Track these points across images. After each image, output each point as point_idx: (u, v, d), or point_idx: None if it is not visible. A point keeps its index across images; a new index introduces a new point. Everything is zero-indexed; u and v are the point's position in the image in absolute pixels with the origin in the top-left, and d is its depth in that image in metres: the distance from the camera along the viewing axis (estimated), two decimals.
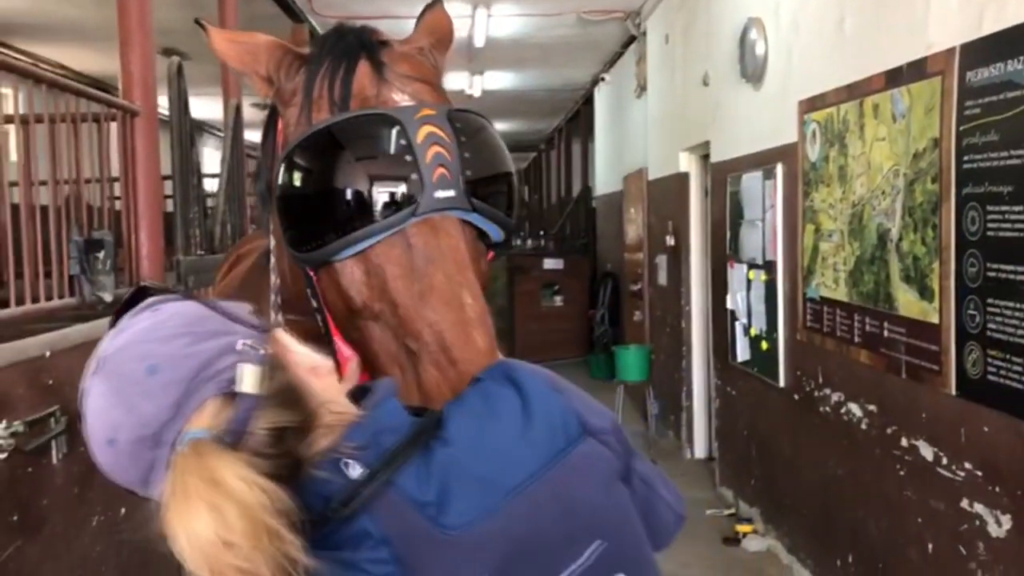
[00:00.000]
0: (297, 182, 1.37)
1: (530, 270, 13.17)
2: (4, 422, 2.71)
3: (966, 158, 3.15)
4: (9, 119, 4.60)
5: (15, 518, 2.81)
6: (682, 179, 7.54)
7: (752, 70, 5.41)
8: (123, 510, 3.49)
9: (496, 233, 1.43)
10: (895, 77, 3.67)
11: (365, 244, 1.32)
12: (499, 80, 13.40)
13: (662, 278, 8.41)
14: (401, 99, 1.39)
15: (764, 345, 5.35)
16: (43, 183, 3.97)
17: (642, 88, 9.12)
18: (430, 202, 1.30)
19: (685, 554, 5.16)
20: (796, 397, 4.93)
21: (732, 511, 6.11)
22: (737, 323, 5.83)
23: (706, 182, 7.03)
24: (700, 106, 6.77)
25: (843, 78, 4.19)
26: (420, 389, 1.29)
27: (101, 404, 1.03)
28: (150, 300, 1.13)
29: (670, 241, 7.88)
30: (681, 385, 7.77)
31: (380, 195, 1.31)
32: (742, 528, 5.66)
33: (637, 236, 9.58)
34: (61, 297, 3.44)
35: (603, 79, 11.90)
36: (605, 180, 12.66)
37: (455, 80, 13.22)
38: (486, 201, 1.37)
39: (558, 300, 13.27)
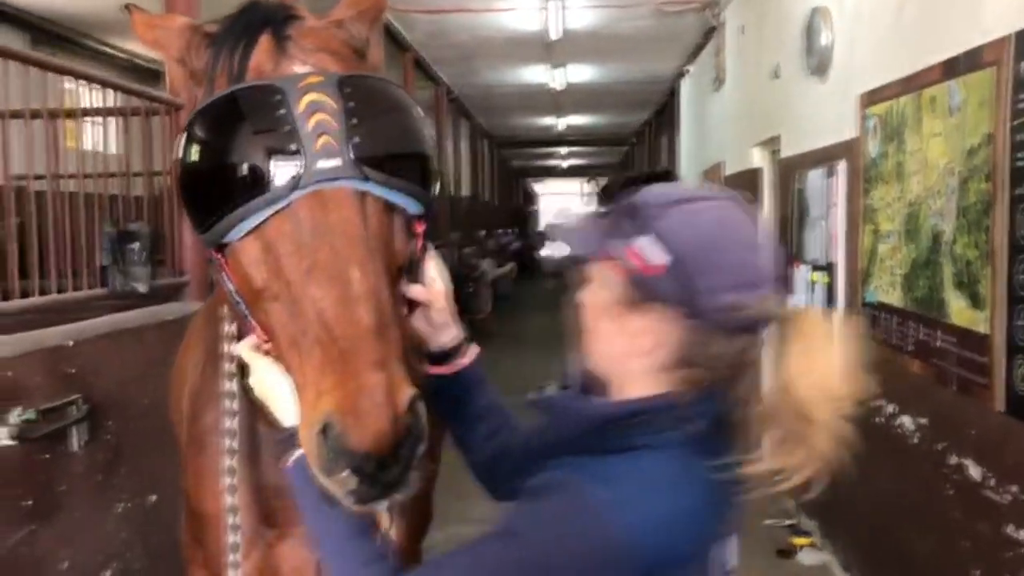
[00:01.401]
0: (189, 160, 1.33)
1: None
2: (19, 409, 2.78)
3: (1019, 155, 2.90)
4: (70, 113, 4.76)
5: (29, 503, 2.88)
6: (755, 175, 7.28)
7: (817, 62, 5.16)
8: (154, 497, 3.56)
9: (411, 205, 1.36)
10: (952, 68, 3.41)
11: (253, 221, 1.28)
12: (581, 74, 13.26)
13: None
14: (301, 71, 1.34)
15: None
16: (87, 176, 4.08)
17: (720, 81, 8.86)
18: (313, 173, 1.25)
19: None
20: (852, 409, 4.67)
21: (792, 522, 5.87)
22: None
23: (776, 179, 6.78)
24: (771, 99, 6.52)
25: (902, 69, 3.93)
26: (307, 373, 1.23)
27: None
28: None
29: None
30: None
31: (262, 168, 1.27)
32: (798, 541, 5.42)
33: None
34: (92, 288, 3.52)
35: (686, 71, 11.63)
36: (689, 175, 12.38)
37: (535, 74, 13.17)
38: (385, 170, 1.30)
39: None
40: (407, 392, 1.19)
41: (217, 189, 1.30)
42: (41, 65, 3.44)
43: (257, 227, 1.29)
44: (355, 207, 1.27)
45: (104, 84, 3.89)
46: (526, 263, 26.99)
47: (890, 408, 4.14)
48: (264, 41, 1.38)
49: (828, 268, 5.01)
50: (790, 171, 5.85)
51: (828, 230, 4.98)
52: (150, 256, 3.79)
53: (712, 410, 1.28)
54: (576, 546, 1.17)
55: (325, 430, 1.16)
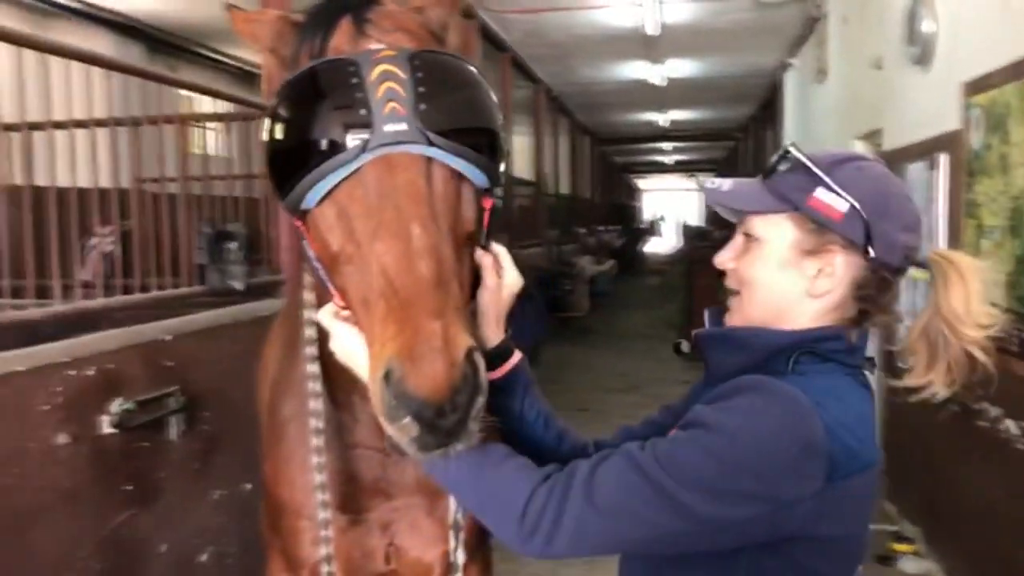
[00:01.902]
0: (271, 134, 1.42)
1: (709, 263, 12.70)
2: (120, 400, 2.95)
3: None
4: (182, 120, 5.00)
5: (130, 487, 3.05)
6: None
7: (920, 51, 4.96)
8: (248, 486, 3.71)
9: (476, 175, 1.41)
10: None
11: (326, 184, 1.36)
12: (681, 68, 13.09)
13: None
14: (375, 48, 1.41)
15: None
16: (189, 178, 4.29)
17: (823, 73, 8.59)
18: (380, 136, 1.31)
19: None
20: (956, 409, 4.48)
21: (895, 528, 5.66)
22: (902, 326, 5.37)
23: None
24: (873, 91, 6.30)
25: (1008, 56, 3.74)
26: (374, 326, 1.28)
27: None
28: None
29: None
30: None
31: (334, 134, 1.34)
32: (899, 547, 5.22)
33: None
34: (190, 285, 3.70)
35: (789, 64, 11.33)
36: None
37: (635, 70, 13.06)
38: (450, 138, 1.36)
39: None
40: (465, 341, 1.23)
41: (294, 155, 1.39)
42: (153, 77, 3.62)
43: (330, 192, 1.36)
44: (419, 170, 1.34)
45: (207, 93, 4.08)
46: (629, 260, 26.80)
47: (994, 412, 3.95)
48: (344, 24, 1.46)
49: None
50: (892, 165, 5.64)
51: (929, 225, 4.79)
52: (247, 255, 3.96)
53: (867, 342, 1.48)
54: (785, 434, 1.28)
55: (388, 376, 1.21)
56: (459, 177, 1.40)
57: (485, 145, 1.43)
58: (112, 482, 2.97)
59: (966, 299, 1.40)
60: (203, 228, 3.69)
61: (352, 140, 1.32)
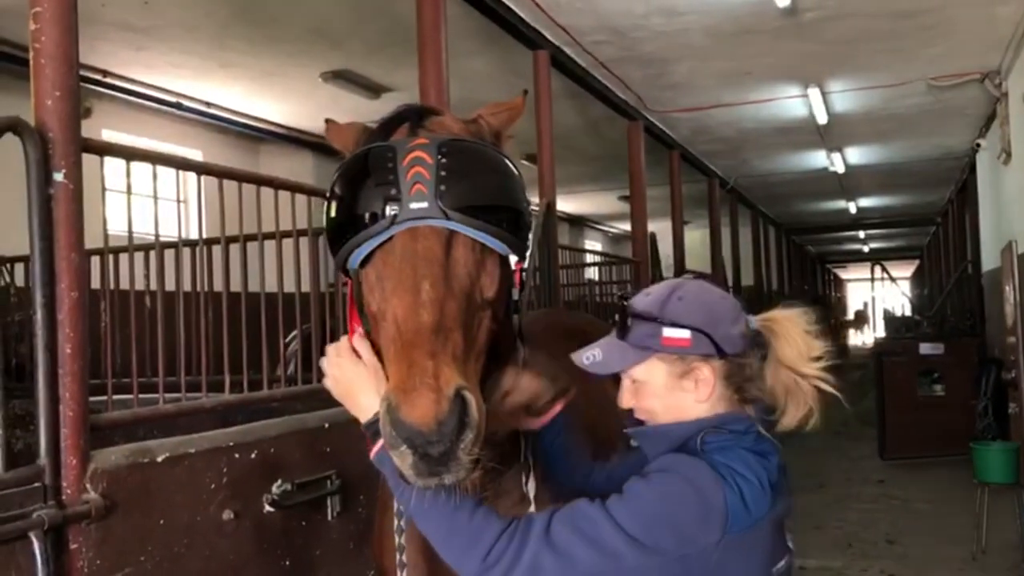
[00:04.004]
0: (327, 208, 1.74)
1: (903, 355, 12.06)
2: (279, 481, 3.30)
3: None
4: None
5: (287, 563, 3.37)
6: None
7: None
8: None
9: (495, 244, 1.67)
10: None
11: (364, 249, 1.65)
12: (862, 155, 12.78)
13: None
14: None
15: None
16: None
17: (1007, 153, 8.19)
18: (407, 211, 1.61)
19: None
20: None
21: None
22: None
23: None
24: None
25: None
26: (388, 368, 1.54)
27: None
28: None
29: None
30: None
31: (372, 207, 1.64)
32: None
33: (1010, 316, 8.46)
34: None
35: (978, 145, 10.81)
36: (990, 255, 11.35)
37: (813, 159, 12.89)
38: (466, 212, 1.62)
39: (938, 389, 11.94)
40: (454, 380, 1.46)
41: (342, 224, 1.69)
42: (296, 189, 4.03)
43: (369, 257, 1.66)
44: (438, 239, 1.61)
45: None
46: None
47: None
48: (403, 128, 1.78)
49: None
50: None
51: None
52: None
53: (758, 415, 1.80)
54: (692, 498, 1.62)
55: (388, 406, 1.45)
56: (482, 248, 1.66)
57: (505, 219, 1.68)
58: (271, 557, 3.29)
59: (794, 343, 1.76)
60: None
61: (386, 213, 1.61)
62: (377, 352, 1.66)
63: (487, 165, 1.71)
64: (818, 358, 1.77)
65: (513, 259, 1.73)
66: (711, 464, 1.67)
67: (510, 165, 1.76)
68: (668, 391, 1.79)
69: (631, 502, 1.62)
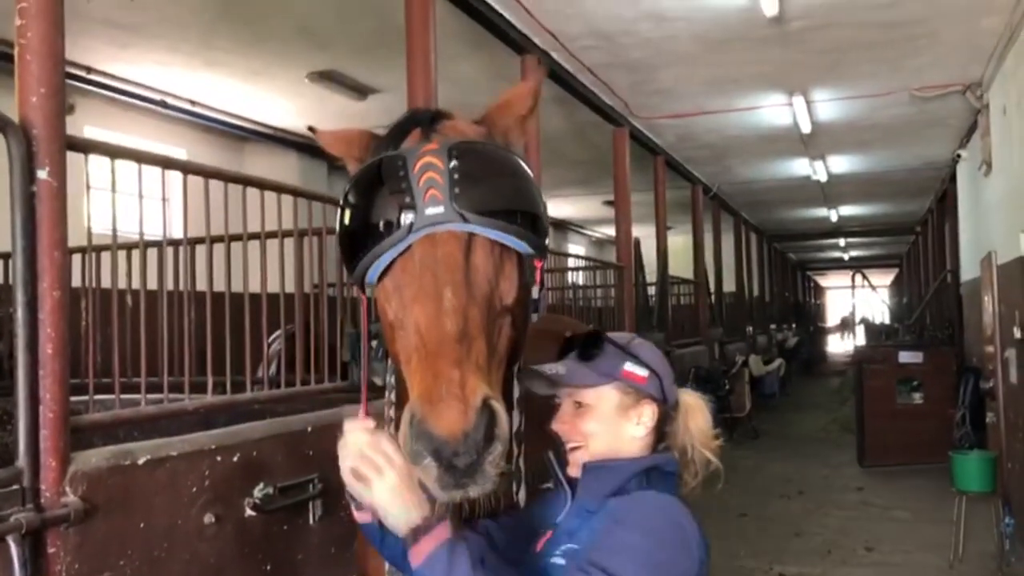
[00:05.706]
0: (340, 221, 1.70)
1: (882, 363, 12.14)
2: (261, 484, 3.27)
3: None
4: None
5: (268, 567, 3.33)
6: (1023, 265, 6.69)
7: None
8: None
9: (516, 243, 1.63)
10: None
11: (383, 260, 1.60)
12: (844, 164, 12.88)
13: (1013, 375, 7.41)
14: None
15: None
16: (346, 284, 4.69)
17: (987, 165, 8.27)
18: (423, 218, 1.56)
19: None
20: None
21: None
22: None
23: None
24: None
25: None
26: (410, 380, 1.49)
27: None
28: None
29: (1017, 333, 6.97)
30: None
31: (387, 217, 1.60)
32: None
33: (989, 327, 8.55)
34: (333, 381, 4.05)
35: (959, 156, 10.92)
36: (969, 265, 11.45)
37: (796, 167, 12.97)
38: (483, 213, 1.58)
39: (916, 397, 12.02)
40: (482, 389, 1.42)
41: (357, 236, 1.65)
42: (297, 193, 4.05)
43: (388, 268, 1.61)
44: (459, 244, 1.57)
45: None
46: (805, 359, 25.73)
47: None
48: (414, 133, 1.74)
49: None
50: None
51: None
52: (387, 353, 4.27)
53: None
54: (673, 531, 1.72)
55: (413, 419, 1.41)
56: (502, 249, 1.62)
57: (523, 218, 1.65)
58: (252, 561, 3.25)
59: (702, 420, 1.98)
60: (348, 328, 4.04)
61: (401, 223, 1.57)
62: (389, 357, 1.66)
63: (500, 166, 1.68)
64: (717, 438, 1.99)
65: (534, 258, 1.69)
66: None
67: (522, 164, 1.73)
68: (612, 420, 1.89)
69: (625, 554, 1.64)
